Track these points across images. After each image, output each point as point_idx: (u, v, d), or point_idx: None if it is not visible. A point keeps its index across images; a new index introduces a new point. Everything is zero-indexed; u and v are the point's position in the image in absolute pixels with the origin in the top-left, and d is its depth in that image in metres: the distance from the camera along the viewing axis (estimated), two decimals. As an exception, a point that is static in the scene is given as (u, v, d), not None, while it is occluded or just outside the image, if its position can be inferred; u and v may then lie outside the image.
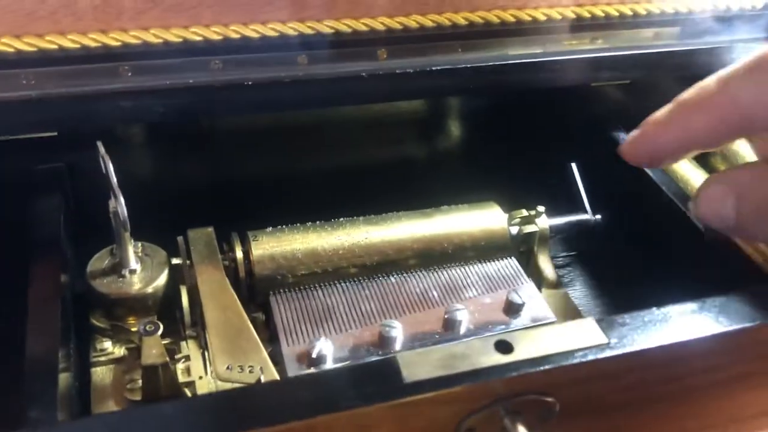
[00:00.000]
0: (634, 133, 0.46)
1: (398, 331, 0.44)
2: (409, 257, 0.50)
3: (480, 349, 0.35)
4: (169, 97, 0.46)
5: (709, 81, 0.41)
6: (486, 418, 0.35)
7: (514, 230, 0.53)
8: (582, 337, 0.36)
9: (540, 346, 0.35)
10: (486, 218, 0.52)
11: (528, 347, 0.35)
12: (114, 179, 0.40)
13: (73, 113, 0.46)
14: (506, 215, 0.53)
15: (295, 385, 0.32)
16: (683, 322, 0.37)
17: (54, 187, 0.49)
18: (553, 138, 0.63)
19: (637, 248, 0.56)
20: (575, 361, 0.35)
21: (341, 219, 0.50)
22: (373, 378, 0.33)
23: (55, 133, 0.47)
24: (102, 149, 0.42)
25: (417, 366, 0.33)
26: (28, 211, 0.47)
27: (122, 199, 0.40)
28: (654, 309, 0.37)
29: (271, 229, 0.49)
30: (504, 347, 0.35)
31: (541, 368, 0.34)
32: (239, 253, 0.47)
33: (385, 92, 0.51)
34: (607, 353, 0.35)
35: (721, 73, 0.41)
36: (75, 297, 0.46)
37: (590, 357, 0.35)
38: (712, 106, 0.40)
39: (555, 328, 0.36)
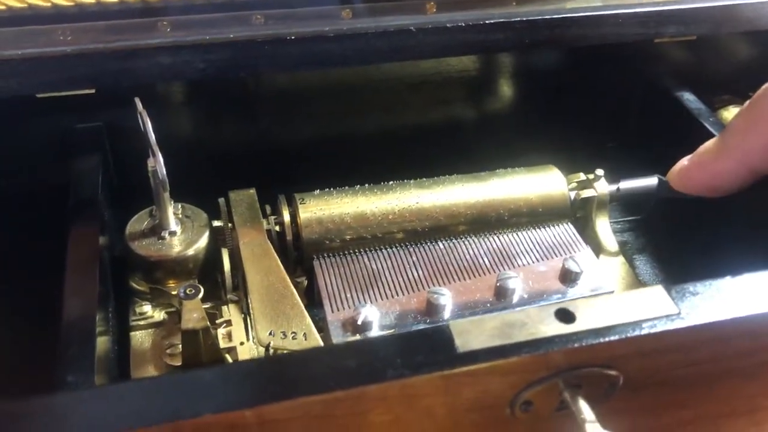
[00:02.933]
0: (685, 163, 0.44)
1: (447, 299, 0.42)
2: (462, 223, 0.47)
3: (539, 317, 0.32)
4: (209, 52, 0.44)
5: (760, 97, 0.39)
6: (544, 392, 0.32)
7: (572, 195, 0.50)
8: (649, 306, 0.33)
9: (604, 315, 0.32)
10: (545, 182, 0.49)
11: (591, 317, 0.32)
12: (152, 136, 0.39)
13: (111, 70, 0.44)
14: (565, 179, 0.50)
15: (340, 352, 0.30)
16: (760, 293, 0.34)
17: (93, 146, 0.47)
18: (612, 98, 0.59)
19: (703, 214, 0.52)
20: (642, 332, 0.32)
21: (391, 182, 0.48)
22: (424, 346, 0.30)
23: (93, 91, 0.46)
24: (140, 105, 0.40)
25: (471, 334, 0.31)
26: (67, 172, 0.46)
27: (161, 157, 0.38)
28: (728, 277, 0.34)
29: (318, 191, 0.47)
30: (565, 316, 0.32)
31: (605, 339, 0.31)
32: (286, 216, 0.45)
33: (433, 48, 0.48)
34: (677, 324, 0.32)
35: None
36: (114, 260, 0.45)
37: (658, 328, 0.32)
38: None
39: (620, 297, 0.33)
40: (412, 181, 0.48)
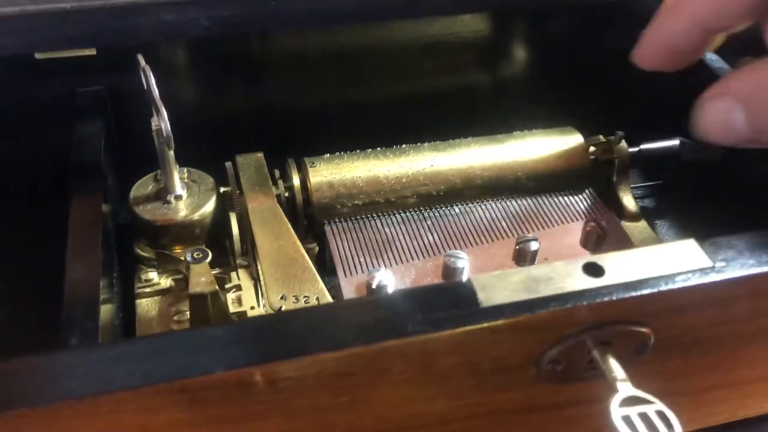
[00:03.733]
0: (644, 32, 0.41)
1: (464, 263, 0.40)
2: (478, 186, 0.46)
3: (566, 271, 0.30)
4: (213, 8, 0.43)
5: None
6: (571, 350, 0.31)
7: (591, 157, 0.48)
8: (682, 260, 0.31)
9: (634, 269, 0.31)
10: (564, 144, 0.47)
11: (621, 270, 0.30)
12: (156, 92, 0.37)
13: (112, 27, 0.43)
14: (585, 141, 0.48)
15: (357, 307, 0.29)
16: (796, 246, 0.32)
17: (95, 111, 0.46)
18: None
19: (728, 178, 0.50)
20: (675, 286, 0.30)
21: (404, 145, 0.46)
22: (445, 301, 0.29)
23: (94, 51, 0.44)
24: (142, 61, 0.38)
25: (494, 289, 0.29)
26: (69, 136, 0.44)
27: (165, 113, 0.36)
28: (765, 231, 0.33)
29: (328, 155, 0.45)
30: (593, 270, 0.30)
31: (636, 293, 0.30)
32: (296, 180, 0.43)
33: (447, 4, 0.46)
34: (712, 278, 0.30)
35: None
36: (117, 227, 0.44)
37: (692, 282, 0.30)
38: None
39: (651, 250, 0.32)
40: (426, 144, 0.46)
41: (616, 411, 0.29)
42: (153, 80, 0.37)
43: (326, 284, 0.40)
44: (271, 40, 0.49)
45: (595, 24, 0.56)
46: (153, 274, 0.42)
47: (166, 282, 0.41)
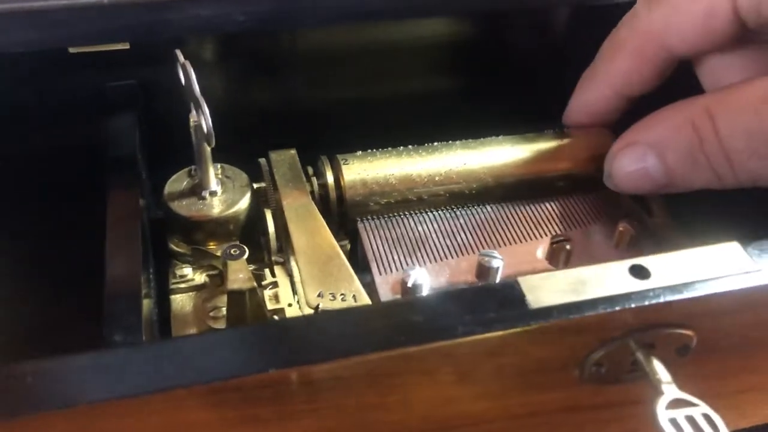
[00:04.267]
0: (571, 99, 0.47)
1: (499, 262, 0.40)
2: (511, 185, 0.45)
3: (611, 273, 0.30)
4: (249, 3, 0.42)
5: (619, 26, 0.43)
6: (616, 352, 0.31)
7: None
8: (726, 263, 0.31)
9: (680, 271, 0.31)
10: (596, 145, 0.47)
11: (666, 273, 0.31)
12: (197, 88, 0.37)
13: (147, 22, 0.43)
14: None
15: (405, 307, 0.29)
16: None
17: (127, 105, 0.46)
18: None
19: None
20: (720, 289, 0.30)
21: (435, 143, 0.46)
22: (494, 302, 0.29)
23: (128, 46, 0.44)
24: (181, 57, 0.38)
25: (541, 290, 0.29)
26: (102, 131, 0.44)
27: (206, 109, 0.36)
28: (810, 234, 0.33)
29: (361, 153, 0.45)
30: (640, 272, 0.31)
31: (682, 296, 0.30)
32: (330, 177, 0.43)
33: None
34: (758, 281, 0.31)
35: (627, 15, 0.43)
36: (150, 222, 0.44)
37: (737, 285, 0.30)
38: (628, 46, 0.43)
39: (695, 253, 0.32)
40: (458, 142, 0.46)
41: (663, 414, 0.29)
42: (193, 75, 0.37)
43: (361, 281, 0.41)
44: (301, 36, 0.49)
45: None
46: (188, 270, 0.42)
47: (200, 278, 0.42)
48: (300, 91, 0.52)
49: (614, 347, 0.30)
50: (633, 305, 0.29)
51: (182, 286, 0.41)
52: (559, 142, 0.47)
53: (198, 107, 0.37)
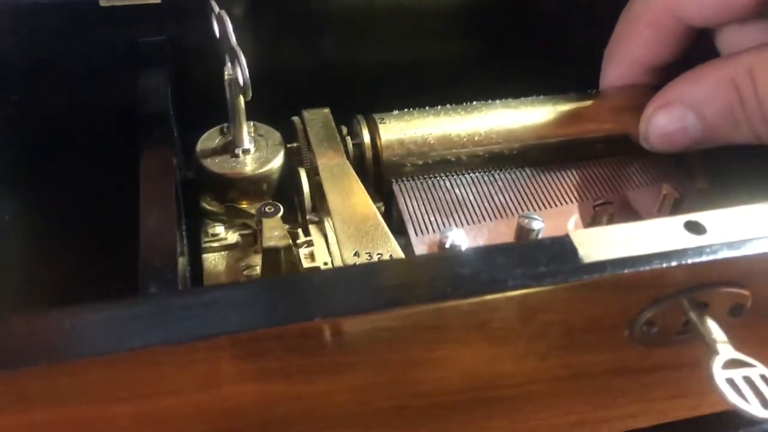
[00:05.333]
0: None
1: (540, 224, 0.39)
2: (552, 146, 0.44)
3: (667, 228, 0.29)
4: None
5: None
6: (668, 311, 0.30)
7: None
8: (786, 220, 0.30)
9: (737, 228, 0.29)
10: (638, 102, 0.45)
11: (723, 229, 0.29)
12: (233, 38, 0.36)
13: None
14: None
15: (453, 259, 0.28)
16: None
17: (158, 61, 0.45)
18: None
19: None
20: (779, 247, 0.29)
21: (474, 102, 0.45)
22: (544, 256, 0.28)
23: (159, 0, 0.43)
24: (216, 7, 0.37)
25: (593, 245, 0.28)
26: (134, 87, 0.43)
27: (243, 59, 0.35)
28: None
29: (397, 112, 0.44)
30: (695, 228, 0.29)
31: (739, 253, 0.29)
32: (366, 137, 0.42)
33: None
34: (820, 240, 0.29)
35: None
36: (181, 181, 0.43)
37: (797, 243, 0.29)
38: (644, 18, 0.42)
39: (752, 209, 0.30)
40: (498, 102, 0.45)
41: (720, 373, 0.28)
42: (230, 25, 0.36)
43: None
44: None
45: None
46: (220, 229, 0.41)
47: (233, 237, 0.41)
48: (333, 50, 0.50)
49: (667, 306, 0.29)
50: (689, 261, 0.28)
51: (215, 245, 0.40)
52: (600, 102, 0.46)
53: (234, 58, 0.36)
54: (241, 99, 0.39)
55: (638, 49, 0.44)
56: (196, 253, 0.41)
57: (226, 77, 0.37)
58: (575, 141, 0.44)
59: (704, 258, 0.28)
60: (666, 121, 0.40)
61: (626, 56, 0.44)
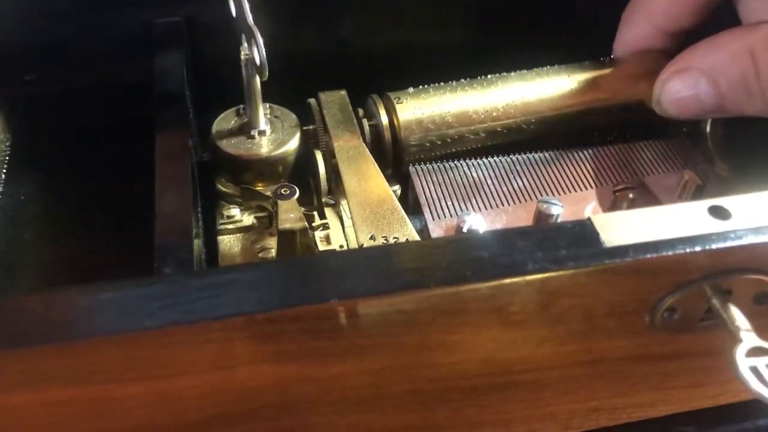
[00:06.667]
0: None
1: (559, 209, 0.39)
2: (571, 116, 0.44)
3: (690, 213, 0.29)
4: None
5: None
6: (691, 297, 0.29)
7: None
8: (813, 206, 0.29)
9: (762, 214, 0.29)
10: (653, 69, 0.45)
11: (748, 214, 0.29)
12: (249, 16, 0.35)
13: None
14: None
15: (471, 242, 0.27)
16: None
17: (174, 42, 0.44)
18: None
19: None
20: (807, 233, 0.28)
21: (489, 76, 0.44)
22: (565, 240, 0.27)
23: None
24: (234, -17, 0.37)
25: (616, 229, 0.28)
26: (149, 68, 0.43)
27: (260, 38, 0.35)
28: None
29: (412, 89, 0.43)
30: (719, 212, 0.29)
31: (765, 239, 0.28)
32: (383, 117, 0.42)
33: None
34: None
35: None
36: (197, 163, 0.42)
37: (823, 229, 0.29)
38: None
39: (778, 195, 0.30)
40: (513, 74, 0.44)
41: (743, 361, 0.27)
42: (247, 4, 0.36)
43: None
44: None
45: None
46: (235, 211, 0.41)
47: (248, 219, 0.40)
48: (351, 31, 0.50)
49: (689, 292, 0.29)
50: (713, 246, 0.27)
51: (230, 227, 0.40)
52: (615, 69, 0.45)
53: (251, 37, 0.35)
54: (257, 80, 0.38)
55: (658, 11, 0.43)
56: (211, 235, 0.41)
57: (242, 57, 0.37)
58: (592, 109, 0.44)
59: (728, 243, 0.28)
60: (679, 87, 0.39)
61: (645, 19, 0.44)
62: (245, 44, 0.37)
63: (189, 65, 0.45)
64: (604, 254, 0.27)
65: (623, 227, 0.28)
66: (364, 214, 0.37)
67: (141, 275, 0.31)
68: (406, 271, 0.26)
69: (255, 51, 0.35)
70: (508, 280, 0.26)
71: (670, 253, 0.27)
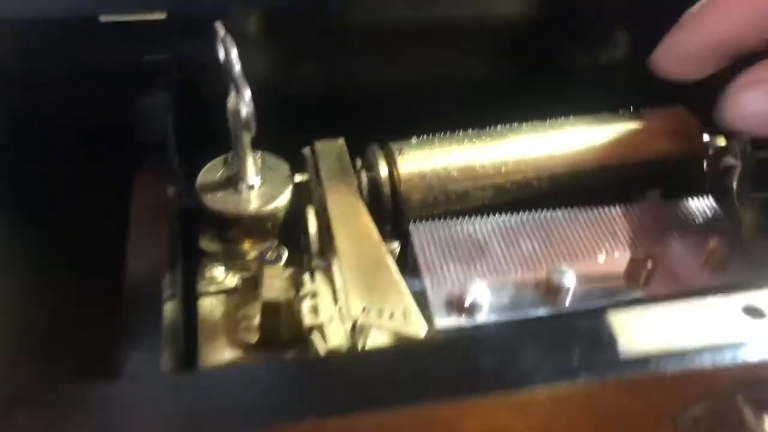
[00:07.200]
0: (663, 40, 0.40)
1: (571, 279, 0.35)
2: (585, 173, 0.41)
3: (721, 312, 0.25)
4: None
5: None
6: (720, 409, 0.26)
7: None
8: None
9: (803, 315, 0.25)
10: (678, 128, 0.42)
11: (787, 316, 0.25)
12: (237, 67, 0.32)
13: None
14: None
15: (469, 344, 0.24)
16: None
17: (162, 82, 0.41)
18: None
19: None
20: None
21: (499, 128, 0.41)
22: (579, 344, 0.24)
23: (164, 16, 0.40)
24: (222, 30, 0.34)
25: (636, 331, 0.25)
26: (133, 110, 0.40)
27: (247, 91, 0.32)
28: None
29: (416, 140, 0.40)
30: (755, 313, 0.25)
31: (808, 346, 0.25)
32: (383, 170, 0.39)
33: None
34: None
35: None
36: (182, 215, 0.39)
37: None
38: None
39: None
40: (525, 125, 0.41)
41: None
42: (235, 52, 0.33)
43: (410, 289, 0.36)
44: (353, 13, 0.44)
45: None
46: (218, 271, 0.37)
47: (232, 281, 0.37)
48: (351, 74, 0.47)
49: (718, 402, 0.25)
50: (747, 358, 0.24)
51: (212, 288, 0.37)
52: (638, 124, 0.42)
53: (238, 89, 0.32)
54: (245, 132, 0.35)
55: (728, 29, 0.37)
56: (192, 294, 0.37)
57: (229, 107, 0.34)
58: (610, 167, 0.41)
59: (765, 355, 0.24)
60: (758, 101, 0.35)
61: (709, 29, 0.38)
62: (233, 93, 0.33)
63: (181, 105, 0.42)
64: (623, 365, 0.24)
65: (645, 330, 0.25)
66: (357, 281, 0.34)
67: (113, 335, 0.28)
68: (392, 383, 0.23)
69: (242, 105, 0.32)
70: (510, 395, 0.23)
71: (697, 364, 0.24)
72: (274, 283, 0.33)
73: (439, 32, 0.45)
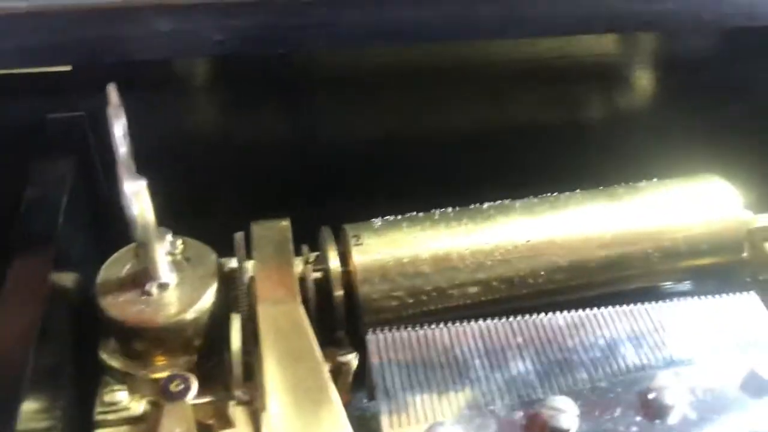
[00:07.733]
0: None
1: (571, 420, 0.27)
2: (592, 268, 0.33)
3: None
4: (230, 16, 0.30)
5: None
6: None
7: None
8: None
9: None
10: (711, 199, 0.34)
11: None
12: (122, 149, 0.24)
13: (93, 38, 0.31)
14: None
15: None
16: None
17: (69, 141, 0.34)
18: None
19: None
20: None
21: (484, 205, 0.33)
22: None
23: (69, 68, 0.32)
24: (114, 96, 0.26)
25: None
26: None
27: (132, 185, 0.24)
28: None
29: (379, 222, 0.32)
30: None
31: None
32: (333, 263, 0.31)
33: (568, 20, 0.32)
34: None
35: None
36: (84, 315, 0.31)
37: None
38: None
39: None
40: (517, 203, 0.33)
41: None
42: (122, 125, 0.24)
43: (365, 411, 0.30)
44: (308, 60, 0.36)
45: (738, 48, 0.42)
46: (121, 395, 0.29)
47: (137, 406, 0.29)
48: (302, 134, 0.39)
49: None
50: None
51: (111, 417, 0.29)
52: (661, 198, 0.34)
53: (121, 177, 0.24)
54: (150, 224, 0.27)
55: None
56: (90, 422, 0.30)
57: (124, 198, 0.26)
58: (625, 255, 0.33)
59: None
60: None
61: None
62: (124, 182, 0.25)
63: (91, 171, 0.35)
64: None
65: None
66: (290, 419, 0.26)
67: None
68: None
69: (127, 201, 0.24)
70: None
71: None
72: (175, 426, 0.25)
73: (413, 87, 0.38)
